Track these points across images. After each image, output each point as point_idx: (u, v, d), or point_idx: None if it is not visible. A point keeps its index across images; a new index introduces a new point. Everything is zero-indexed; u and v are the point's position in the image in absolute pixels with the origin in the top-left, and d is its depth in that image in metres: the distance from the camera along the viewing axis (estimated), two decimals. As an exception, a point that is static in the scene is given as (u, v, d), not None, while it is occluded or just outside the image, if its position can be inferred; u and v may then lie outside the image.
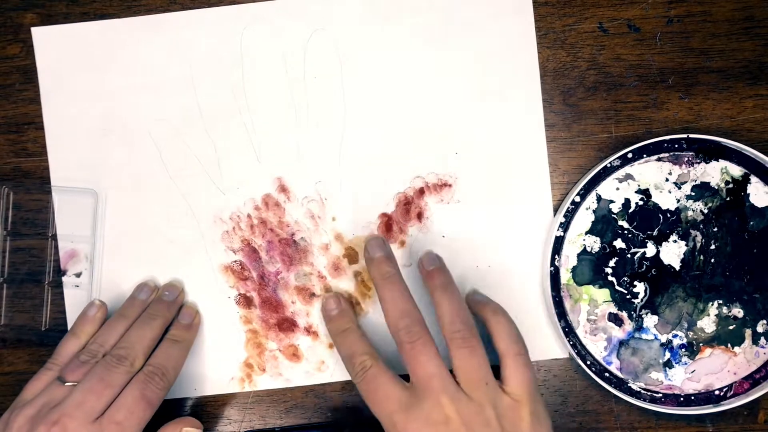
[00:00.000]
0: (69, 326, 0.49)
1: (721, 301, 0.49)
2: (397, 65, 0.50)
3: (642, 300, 0.49)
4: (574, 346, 0.48)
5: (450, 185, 0.50)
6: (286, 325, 0.50)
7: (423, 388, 0.41)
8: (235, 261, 0.50)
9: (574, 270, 0.49)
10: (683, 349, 0.49)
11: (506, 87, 0.50)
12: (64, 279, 0.50)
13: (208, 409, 0.50)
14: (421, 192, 0.50)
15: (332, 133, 0.50)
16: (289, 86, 0.50)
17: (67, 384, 0.43)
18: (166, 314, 0.47)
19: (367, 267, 0.46)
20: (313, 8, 0.50)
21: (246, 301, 0.50)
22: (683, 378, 0.48)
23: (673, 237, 0.49)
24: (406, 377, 0.43)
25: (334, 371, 0.50)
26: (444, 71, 0.50)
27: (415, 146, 0.50)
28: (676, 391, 0.48)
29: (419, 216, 0.50)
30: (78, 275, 0.50)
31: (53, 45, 0.50)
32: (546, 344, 0.50)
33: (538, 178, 0.50)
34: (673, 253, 0.49)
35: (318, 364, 0.50)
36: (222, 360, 0.50)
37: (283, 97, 0.50)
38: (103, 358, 0.44)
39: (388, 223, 0.50)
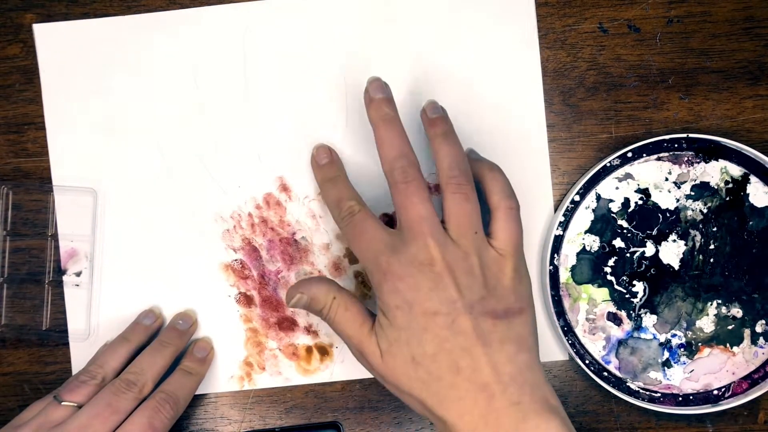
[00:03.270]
0: (69, 326, 0.49)
1: (720, 301, 0.49)
2: (399, 66, 0.50)
3: (641, 299, 0.49)
4: (572, 345, 0.48)
5: (452, 188, 0.50)
6: (286, 324, 0.50)
7: (411, 229, 0.40)
8: (236, 260, 0.50)
9: (573, 269, 0.49)
10: (682, 349, 0.49)
11: (508, 91, 0.50)
12: (65, 278, 0.50)
13: (207, 409, 0.50)
14: (422, 194, 0.50)
15: (334, 132, 0.50)
16: (291, 85, 0.50)
17: (63, 403, 0.42)
18: (178, 343, 0.47)
19: (367, 109, 0.43)
20: (316, 8, 0.50)
21: (246, 300, 0.50)
22: (682, 378, 0.49)
23: (673, 236, 0.49)
24: None
25: (334, 371, 0.50)
26: (446, 74, 0.50)
27: (417, 148, 0.49)
28: (675, 391, 0.48)
29: (420, 217, 0.50)
30: (78, 274, 0.50)
31: (55, 42, 0.50)
32: (545, 346, 0.50)
33: (540, 182, 0.50)
34: (672, 252, 0.49)
35: (318, 364, 0.50)
36: (221, 358, 0.50)
37: (285, 96, 0.50)
38: (112, 382, 0.43)
39: (389, 224, 0.49)
